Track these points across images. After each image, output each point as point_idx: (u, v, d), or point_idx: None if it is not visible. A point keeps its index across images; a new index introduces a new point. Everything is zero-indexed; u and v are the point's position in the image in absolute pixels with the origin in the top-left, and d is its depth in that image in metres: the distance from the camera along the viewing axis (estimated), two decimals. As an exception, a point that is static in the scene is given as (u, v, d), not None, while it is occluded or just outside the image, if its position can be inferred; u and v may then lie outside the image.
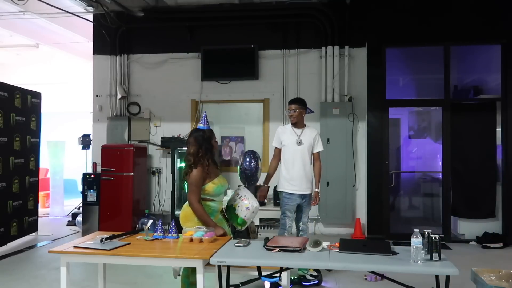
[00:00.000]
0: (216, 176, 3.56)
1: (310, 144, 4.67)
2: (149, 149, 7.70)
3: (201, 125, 3.59)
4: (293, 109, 4.63)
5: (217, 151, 3.70)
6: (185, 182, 3.56)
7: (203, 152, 3.48)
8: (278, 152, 4.72)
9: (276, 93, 7.40)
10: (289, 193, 4.59)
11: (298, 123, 4.67)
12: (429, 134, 9.49)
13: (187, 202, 3.55)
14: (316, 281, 4.63)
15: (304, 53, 7.34)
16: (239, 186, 4.04)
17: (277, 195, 4.94)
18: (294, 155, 4.60)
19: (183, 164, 6.38)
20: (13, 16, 7.58)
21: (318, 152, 4.74)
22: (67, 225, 8.01)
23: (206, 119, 3.62)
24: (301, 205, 4.65)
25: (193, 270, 3.46)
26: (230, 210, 3.77)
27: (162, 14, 7.46)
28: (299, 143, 4.61)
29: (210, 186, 3.49)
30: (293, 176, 4.59)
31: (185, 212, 3.55)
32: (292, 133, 4.66)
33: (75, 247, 3.16)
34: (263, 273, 3.26)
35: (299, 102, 4.70)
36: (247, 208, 3.73)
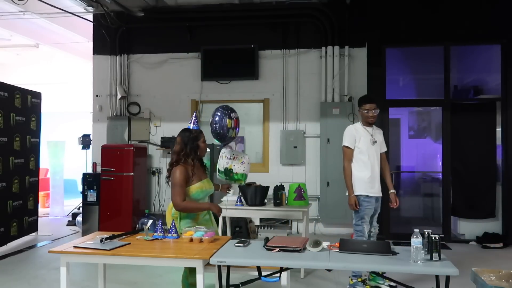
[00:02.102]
0: (200, 180, 3.49)
1: (380, 144, 4.56)
2: (149, 149, 7.70)
3: (190, 125, 3.55)
4: (375, 109, 4.45)
5: (205, 153, 3.64)
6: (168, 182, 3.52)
7: (188, 151, 3.44)
8: (351, 153, 4.45)
9: (276, 93, 7.40)
10: (368, 196, 4.41)
11: (372, 122, 4.53)
12: (429, 134, 9.50)
13: (170, 203, 3.53)
14: None
15: (304, 53, 7.34)
16: (222, 148, 4.24)
17: (277, 195, 4.92)
18: (371, 155, 4.43)
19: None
20: (13, 16, 7.58)
21: (384, 152, 4.63)
22: (67, 225, 8.01)
23: (196, 119, 3.60)
24: (375, 209, 4.50)
25: (191, 270, 3.46)
26: (226, 173, 4.03)
27: (162, 14, 7.46)
28: (374, 142, 4.46)
29: (191, 189, 3.44)
30: (372, 178, 4.43)
31: (167, 219, 3.58)
32: (365, 132, 4.47)
33: (75, 247, 3.16)
34: (263, 273, 3.26)
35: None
36: (242, 162, 4.05)
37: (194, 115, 3.65)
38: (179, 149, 3.46)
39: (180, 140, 3.49)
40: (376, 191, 4.46)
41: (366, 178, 4.41)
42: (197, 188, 3.45)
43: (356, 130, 4.50)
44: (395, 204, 4.57)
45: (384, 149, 4.62)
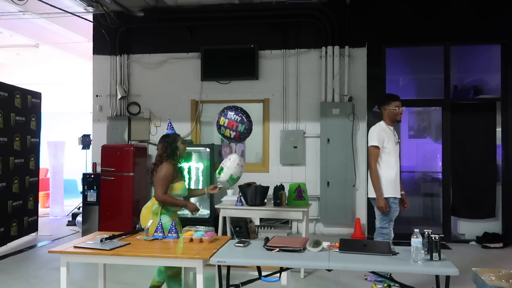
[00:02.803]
0: (181, 180, 3.86)
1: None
2: (149, 149, 7.69)
3: (167, 131, 3.92)
4: (402, 106, 4.31)
5: (185, 153, 3.99)
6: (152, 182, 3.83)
7: (169, 153, 3.80)
8: (378, 153, 4.26)
9: (276, 93, 7.40)
10: (396, 198, 4.27)
11: (400, 121, 4.39)
12: (429, 134, 9.49)
13: (147, 204, 3.83)
14: None
15: (304, 53, 7.34)
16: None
17: (277, 195, 4.92)
18: (396, 155, 4.29)
19: (182, 164, 6.41)
20: (13, 16, 7.58)
21: None
22: (67, 225, 8.01)
23: (171, 125, 3.96)
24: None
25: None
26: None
27: (162, 14, 7.46)
28: (397, 142, 4.34)
29: (178, 185, 3.77)
30: (397, 179, 4.29)
31: (142, 215, 3.82)
32: (390, 132, 4.32)
33: (75, 247, 3.17)
34: (263, 273, 3.26)
35: None
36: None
37: (169, 121, 4.03)
38: (161, 153, 3.83)
39: (161, 146, 3.86)
40: (399, 192, 4.34)
41: (393, 180, 4.27)
42: (182, 185, 3.82)
43: (383, 129, 4.33)
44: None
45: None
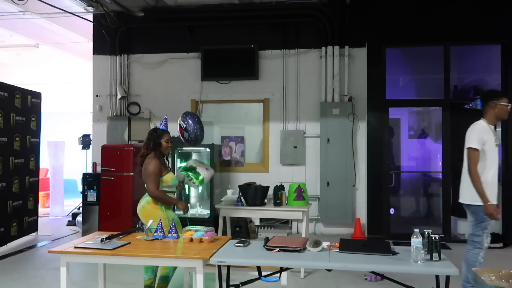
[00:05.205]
0: (168, 172, 3.98)
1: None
2: (149, 149, 7.69)
3: (159, 126, 4.03)
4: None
5: (168, 152, 4.08)
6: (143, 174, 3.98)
7: (151, 147, 3.91)
8: (478, 155, 3.84)
9: (276, 93, 7.40)
10: (491, 204, 3.90)
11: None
12: (429, 134, 9.49)
13: (144, 199, 3.91)
14: None
15: (304, 53, 7.34)
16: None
17: (277, 195, 4.92)
18: (495, 158, 3.92)
19: (183, 164, 6.42)
20: (13, 16, 7.58)
21: None
22: (67, 225, 8.01)
23: (165, 121, 4.06)
24: None
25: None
26: (189, 169, 4.42)
27: (162, 14, 7.47)
28: (497, 144, 3.94)
29: (168, 177, 3.90)
30: (495, 184, 3.94)
31: (146, 210, 3.88)
32: (490, 132, 3.89)
33: (75, 247, 3.16)
34: (263, 273, 3.26)
35: None
36: (206, 169, 4.53)
37: (165, 118, 4.09)
38: (145, 144, 3.97)
39: (147, 137, 3.99)
40: (496, 197, 4.00)
41: (488, 184, 3.91)
42: (172, 176, 3.97)
43: (484, 129, 3.89)
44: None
45: None
